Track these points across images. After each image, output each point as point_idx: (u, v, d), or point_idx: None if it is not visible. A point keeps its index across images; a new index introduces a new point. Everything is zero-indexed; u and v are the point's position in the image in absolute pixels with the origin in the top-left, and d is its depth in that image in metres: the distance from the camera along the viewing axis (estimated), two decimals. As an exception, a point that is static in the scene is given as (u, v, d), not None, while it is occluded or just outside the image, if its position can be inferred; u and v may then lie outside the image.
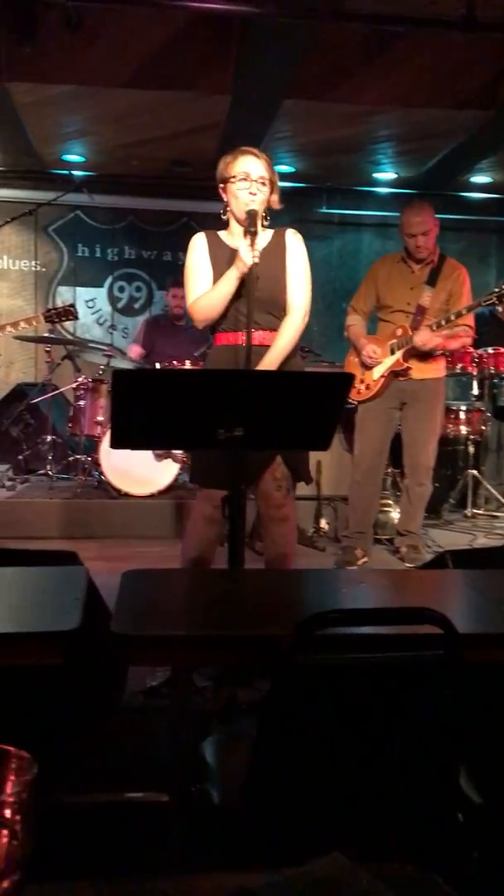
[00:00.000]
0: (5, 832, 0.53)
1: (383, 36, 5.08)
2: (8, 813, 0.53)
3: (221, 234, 2.89)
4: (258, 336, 2.76)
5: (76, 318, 4.47)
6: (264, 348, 2.77)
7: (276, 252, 2.83)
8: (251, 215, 2.69)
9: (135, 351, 6.39)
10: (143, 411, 2.13)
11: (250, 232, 2.65)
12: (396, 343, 4.27)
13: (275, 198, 2.83)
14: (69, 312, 4.36)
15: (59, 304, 4.36)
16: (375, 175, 7.56)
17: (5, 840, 0.53)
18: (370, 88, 5.46)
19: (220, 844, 1.42)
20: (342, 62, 5.34)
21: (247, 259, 2.63)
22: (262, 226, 2.78)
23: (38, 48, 4.93)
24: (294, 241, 2.89)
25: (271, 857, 1.24)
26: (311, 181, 7.62)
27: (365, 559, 4.41)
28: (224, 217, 2.88)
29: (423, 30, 4.84)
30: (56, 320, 4.34)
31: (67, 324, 7.95)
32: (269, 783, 1.25)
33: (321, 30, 4.87)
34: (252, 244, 2.65)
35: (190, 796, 1.54)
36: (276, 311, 2.81)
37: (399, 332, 4.28)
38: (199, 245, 2.87)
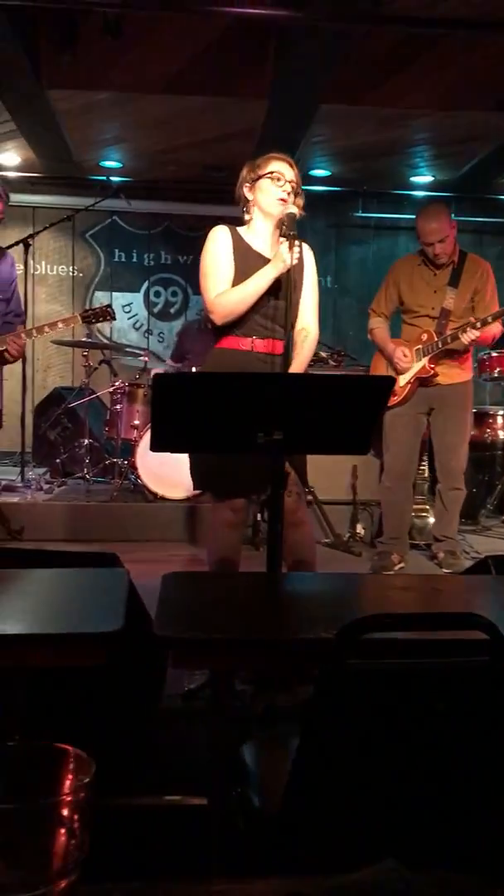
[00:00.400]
0: (63, 831, 0.53)
1: (421, 38, 5.05)
2: (66, 812, 0.53)
3: (241, 230, 2.86)
4: (262, 344, 2.74)
5: (113, 318, 4.50)
6: (270, 356, 2.74)
7: (297, 265, 2.77)
8: (291, 218, 2.69)
9: (168, 364, 6.46)
10: (183, 414, 2.13)
11: (290, 235, 2.65)
12: (423, 349, 4.23)
13: (300, 202, 2.81)
14: (106, 313, 4.39)
15: (98, 307, 4.38)
16: (412, 178, 7.53)
17: (63, 839, 0.53)
18: (408, 92, 5.44)
19: (260, 849, 1.41)
20: (380, 66, 5.32)
21: (288, 260, 2.62)
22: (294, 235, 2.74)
23: (78, 56, 4.98)
24: (310, 257, 2.86)
25: (313, 863, 1.23)
26: (347, 185, 7.61)
27: (402, 564, 4.38)
28: (248, 216, 2.86)
29: (461, 32, 4.81)
30: (93, 321, 4.38)
31: (104, 328, 8.04)
32: (311, 788, 1.24)
33: (359, 33, 4.86)
34: (291, 247, 2.64)
35: (229, 800, 1.54)
36: (276, 315, 2.75)
37: (425, 336, 4.24)
38: (222, 238, 2.80)
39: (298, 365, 2.75)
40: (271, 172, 2.76)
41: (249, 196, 2.83)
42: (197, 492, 5.35)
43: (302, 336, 2.80)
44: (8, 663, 1.38)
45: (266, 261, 2.74)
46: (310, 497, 5.07)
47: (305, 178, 6.62)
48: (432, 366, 4.20)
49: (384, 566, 4.31)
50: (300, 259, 2.78)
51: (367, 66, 5.31)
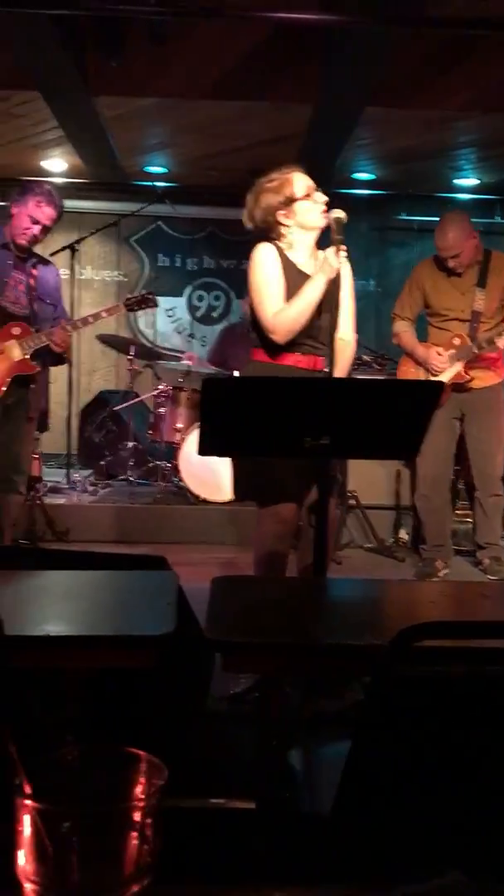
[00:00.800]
0: (135, 835, 0.53)
1: (467, 39, 5.01)
2: (138, 816, 0.53)
3: (281, 245, 2.82)
4: (305, 360, 2.73)
5: (156, 305, 4.53)
6: (304, 371, 2.72)
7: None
8: (339, 222, 2.67)
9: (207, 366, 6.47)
10: (231, 419, 2.14)
11: (337, 240, 2.63)
12: (457, 353, 4.17)
13: None
14: (148, 300, 4.41)
15: (139, 293, 4.42)
16: (456, 181, 7.46)
17: (135, 843, 0.53)
18: (454, 94, 5.39)
19: (311, 854, 1.41)
20: (426, 68, 5.28)
21: (335, 264, 2.60)
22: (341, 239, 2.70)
23: (124, 63, 5.03)
24: (348, 268, 2.76)
25: (373, 872, 1.23)
26: (391, 188, 7.57)
27: (446, 571, 4.34)
28: (282, 240, 2.81)
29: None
30: (136, 308, 4.41)
31: (149, 333, 8.10)
32: (364, 795, 1.23)
33: (404, 36, 4.83)
34: (338, 252, 2.63)
35: (278, 804, 1.54)
36: (319, 334, 2.71)
37: (457, 341, 4.18)
38: (271, 256, 2.76)
39: (338, 374, 2.72)
40: (307, 195, 2.74)
41: (287, 222, 2.78)
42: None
43: (341, 346, 2.74)
44: (61, 664, 1.40)
45: (306, 276, 2.72)
46: (352, 501, 5.06)
47: (348, 182, 6.61)
48: (467, 371, 4.16)
49: (428, 573, 4.27)
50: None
51: (412, 69, 5.28)
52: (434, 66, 5.27)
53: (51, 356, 3.91)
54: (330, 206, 2.77)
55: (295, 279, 2.73)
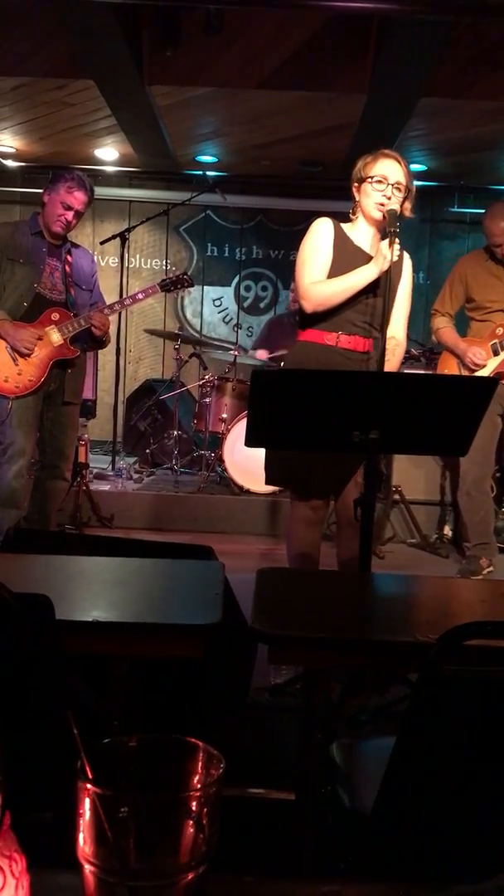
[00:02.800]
0: (191, 824, 0.54)
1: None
2: (195, 805, 0.54)
3: (345, 226, 2.84)
4: (348, 340, 2.72)
5: (191, 285, 4.54)
6: (355, 353, 2.73)
7: (396, 269, 2.76)
8: (392, 215, 2.66)
9: (261, 354, 6.46)
10: (279, 411, 2.14)
11: (391, 232, 2.62)
12: (500, 343, 4.13)
13: (408, 205, 2.76)
14: (183, 280, 4.42)
15: (173, 274, 4.43)
16: (511, 173, 7.34)
17: (191, 832, 0.54)
18: (511, 84, 5.30)
19: (352, 849, 1.41)
20: (482, 58, 5.20)
21: (388, 257, 2.59)
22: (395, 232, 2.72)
23: (179, 52, 5.03)
24: (410, 268, 2.84)
25: (407, 869, 1.22)
26: (443, 180, 7.47)
27: (490, 569, 4.29)
28: (353, 217, 2.85)
29: None
30: (171, 289, 4.42)
31: (195, 322, 8.12)
32: (406, 792, 1.23)
33: (460, 25, 4.76)
34: (392, 244, 2.62)
35: (319, 797, 1.54)
36: (376, 322, 2.73)
37: (500, 331, 4.14)
38: (325, 229, 2.78)
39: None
40: (371, 177, 2.72)
41: (357, 197, 2.81)
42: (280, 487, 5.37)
43: (392, 345, 2.75)
44: (110, 651, 1.41)
45: (366, 256, 2.72)
46: (396, 496, 5.02)
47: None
48: None
49: (472, 570, 4.23)
50: (400, 262, 2.75)
51: (469, 59, 5.20)
52: (490, 56, 5.18)
53: (91, 340, 3.95)
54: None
55: (350, 257, 2.74)
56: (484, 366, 4.15)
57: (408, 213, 2.76)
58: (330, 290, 2.69)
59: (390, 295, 2.68)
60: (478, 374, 4.16)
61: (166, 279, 4.42)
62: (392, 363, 2.75)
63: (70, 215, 3.84)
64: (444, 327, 4.32)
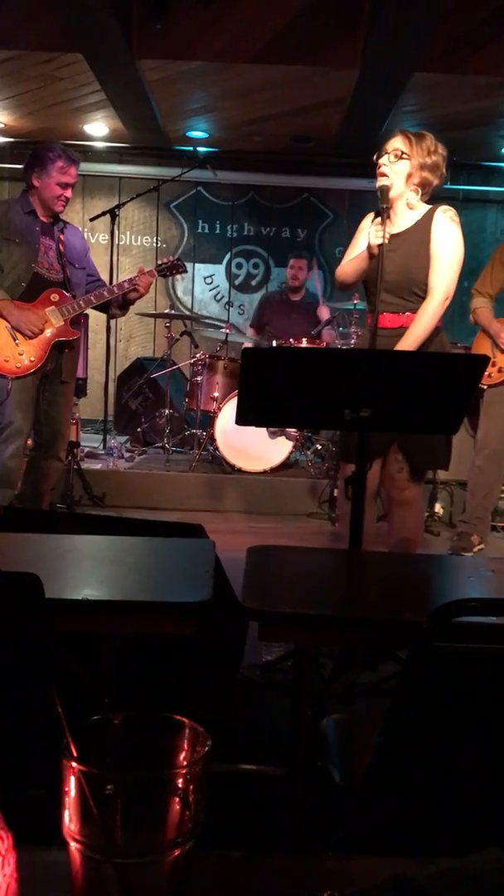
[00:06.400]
0: (177, 801, 0.54)
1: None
2: (181, 783, 0.54)
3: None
4: (385, 319, 2.71)
5: (185, 271, 4.53)
6: (389, 331, 2.71)
7: (417, 232, 2.74)
8: (381, 191, 2.65)
9: (251, 333, 6.44)
10: (270, 389, 2.13)
11: (382, 209, 2.61)
12: None
13: (426, 175, 2.74)
14: (178, 266, 4.41)
15: (168, 259, 4.41)
16: (504, 150, 7.30)
17: (177, 809, 0.54)
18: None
19: (341, 824, 1.42)
20: (476, 32, 5.14)
21: (372, 240, 2.60)
22: (408, 204, 2.74)
23: (169, 25, 4.96)
24: (441, 221, 2.74)
25: (396, 843, 1.23)
26: (437, 156, 7.42)
27: (481, 546, 4.31)
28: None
29: None
30: (167, 274, 4.41)
31: (186, 300, 8.08)
32: (396, 767, 1.24)
33: (454, 0, 4.70)
34: (382, 223, 2.60)
35: (310, 773, 1.55)
36: (408, 294, 2.73)
37: None
38: (364, 222, 2.91)
39: (412, 336, 2.69)
40: (380, 155, 2.75)
41: None
42: (274, 465, 5.36)
43: (425, 299, 2.74)
44: (100, 629, 1.41)
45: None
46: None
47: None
48: None
49: (463, 547, 4.25)
50: (425, 226, 2.73)
51: (462, 34, 5.14)
52: (485, 31, 5.13)
53: (124, 303, 4.04)
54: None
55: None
56: None
57: (432, 181, 2.78)
58: (342, 270, 2.91)
59: (415, 260, 2.71)
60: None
61: (161, 265, 4.39)
62: (421, 320, 2.70)
63: (69, 192, 3.83)
64: (481, 307, 4.32)
